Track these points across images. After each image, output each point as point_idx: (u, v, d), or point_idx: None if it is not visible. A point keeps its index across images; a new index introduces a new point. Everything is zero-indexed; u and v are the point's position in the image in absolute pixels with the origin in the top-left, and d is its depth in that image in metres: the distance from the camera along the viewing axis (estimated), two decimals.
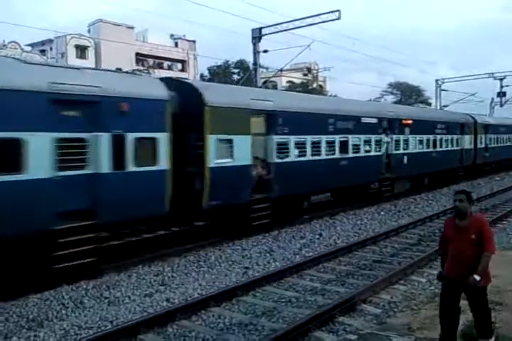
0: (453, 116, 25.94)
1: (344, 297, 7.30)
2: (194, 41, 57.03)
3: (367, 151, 17.16)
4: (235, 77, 53.99)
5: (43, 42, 48.05)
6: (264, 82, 30.35)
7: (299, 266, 9.25)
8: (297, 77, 55.93)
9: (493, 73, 43.28)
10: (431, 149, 21.98)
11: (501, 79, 43.95)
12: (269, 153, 12.95)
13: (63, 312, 7.23)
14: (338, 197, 17.96)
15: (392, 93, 68.14)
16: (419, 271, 8.98)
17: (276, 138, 12.99)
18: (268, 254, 10.58)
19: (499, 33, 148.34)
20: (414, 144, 20.56)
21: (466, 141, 25.75)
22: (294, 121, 13.56)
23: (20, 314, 7.12)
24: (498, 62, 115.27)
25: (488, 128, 29.18)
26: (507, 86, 45.21)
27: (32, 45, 48.22)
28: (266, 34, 23.35)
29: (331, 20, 21.79)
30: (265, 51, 23.76)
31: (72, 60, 44.35)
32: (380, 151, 17.90)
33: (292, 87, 53.92)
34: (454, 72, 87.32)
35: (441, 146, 22.94)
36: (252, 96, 12.79)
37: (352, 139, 16.12)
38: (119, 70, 12.27)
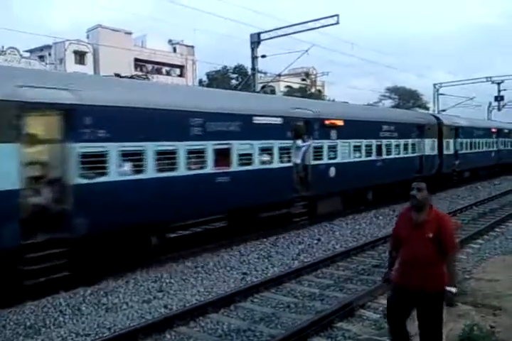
0: (407, 117, 21.63)
1: (342, 302, 7.27)
2: (192, 46, 57.18)
3: (265, 163, 12.63)
4: (234, 82, 54.12)
5: (41, 48, 48.16)
6: (263, 87, 30.40)
7: (297, 271, 9.22)
8: (295, 82, 56.05)
9: (490, 77, 43.44)
10: (374, 157, 17.42)
11: (499, 84, 44.10)
12: (67, 169, 8.47)
13: (61, 319, 7.19)
14: (231, 224, 12.72)
15: (390, 97, 68.37)
16: None
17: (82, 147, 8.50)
18: (266, 260, 10.56)
19: (497, 38, 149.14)
20: (347, 151, 15.91)
21: (427, 146, 21.23)
22: (114, 122, 9.01)
23: (18, 321, 7.09)
24: (496, 67, 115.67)
25: (458, 131, 25.06)
26: (505, 90, 45.38)
27: (31, 51, 48.32)
28: (264, 39, 23.42)
29: (330, 25, 21.86)
30: (263, 56, 23.81)
31: (71, 65, 44.44)
32: (288, 162, 13.44)
33: (290, 91, 54.01)
34: (451, 77, 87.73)
35: (389, 153, 18.37)
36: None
37: (237, 147, 11.64)
38: (117, 76, 12.26)
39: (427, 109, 53.73)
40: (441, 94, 43.93)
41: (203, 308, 7.20)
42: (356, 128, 16.16)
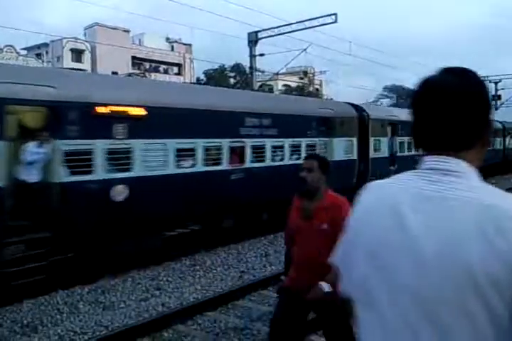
0: (299, 106, 14.66)
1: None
2: (190, 45, 57.15)
3: None
4: (232, 80, 54.12)
5: (38, 46, 48.08)
6: (260, 86, 30.44)
7: None
8: (293, 81, 56.10)
9: (488, 76, 43.54)
10: (226, 166, 11.33)
11: (496, 83, 44.20)
12: None
13: (58, 317, 7.18)
14: None
15: (387, 96, 68.46)
16: None
17: None
18: (264, 258, 10.57)
19: (491, 38, 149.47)
20: (160, 159, 9.90)
21: (338, 148, 15.28)
22: None
23: (15, 319, 7.07)
24: (493, 66, 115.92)
25: (397, 127, 18.97)
26: (502, 89, 45.50)
27: (28, 48, 48.23)
28: (262, 37, 23.43)
29: (328, 24, 21.89)
30: (261, 55, 23.84)
31: (68, 63, 44.36)
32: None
33: (288, 90, 54.04)
34: None
35: (262, 159, 12.42)
36: None
37: None
38: (115, 74, 12.23)
39: None
40: None
41: (201, 306, 7.19)
42: (182, 120, 10.20)
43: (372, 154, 17.20)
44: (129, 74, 12.93)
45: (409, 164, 19.51)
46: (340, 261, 1.48)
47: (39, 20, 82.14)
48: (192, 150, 10.63)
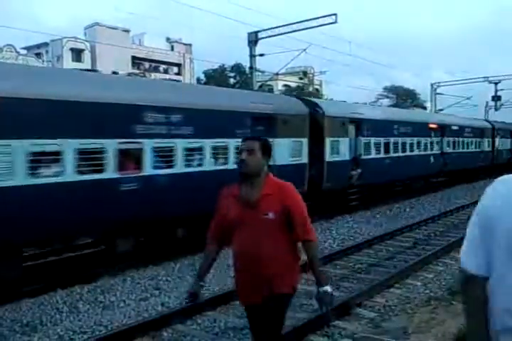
0: (225, 99, 12.10)
1: (339, 301, 7.28)
2: (190, 45, 57.12)
3: None
4: (232, 80, 54.09)
5: (38, 46, 48.02)
6: (260, 86, 30.40)
7: None
8: (293, 81, 56.05)
9: (488, 77, 43.50)
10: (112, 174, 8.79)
11: (496, 83, 44.16)
12: None
13: (57, 316, 7.18)
14: None
15: (387, 97, 68.41)
16: (414, 275, 8.98)
17: None
18: None
19: (490, 37, 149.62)
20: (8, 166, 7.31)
21: (283, 151, 12.66)
22: None
23: (14, 319, 7.07)
24: (493, 66, 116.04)
25: (362, 126, 16.84)
26: (502, 90, 45.45)
27: (27, 48, 48.17)
28: (262, 38, 23.39)
29: (328, 24, 21.85)
30: (261, 55, 23.80)
31: (68, 63, 44.33)
32: None
33: (288, 90, 54.02)
34: (449, 76, 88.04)
35: (171, 164, 10.03)
36: None
37: None
38: (115, 74, 12.24)
39: (425, 108, 53.84)
40: (439, 94, 43.99)
41: (200, 306, 7.18)
42: (37, 115, 7.74)
43: (328, 157, 14.91)
44: (129, 74, 12.90)
45: (377, 168, 17.05)
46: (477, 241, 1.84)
47: (39, 20, 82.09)
48: (56, 153, 8.10)
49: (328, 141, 14.93)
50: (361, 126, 16.74)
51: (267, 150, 3.36)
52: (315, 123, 14.48)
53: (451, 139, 24.67)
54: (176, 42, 56.53)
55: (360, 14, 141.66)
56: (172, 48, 56.55)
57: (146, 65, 53.34)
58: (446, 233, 13.04)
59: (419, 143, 21.11)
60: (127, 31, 51.04)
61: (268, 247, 3.24)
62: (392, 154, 18.69)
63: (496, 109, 48.24)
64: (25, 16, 77.87)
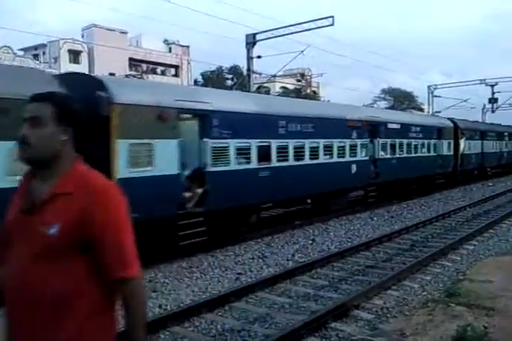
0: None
1: (337, 303, 7.28)
2: (188, 46, 57.13)
3: None
4: (229, 82, 54.14)
5: (35, 47, 47.97)
6: (258, 88, 30.47)
7: (291, 271, 9.22)
8: (291, 83, 56.14)
9: (484, 79, 43.68)
10: None
11: (493, 86, 44.36)
12: None
13: None
14: None
15: (384, 99, 68.55)
16: (411, 277, 8.98)
17: None
18: (261, 260, 10.56)
19: (488, 41, 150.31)
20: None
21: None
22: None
23: None
24: (490, 69, 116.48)
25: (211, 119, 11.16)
26: (499, 92, 45.67)
27: (25, 49, 48.13)
28: (260, 40, 23.47)
29: (325, 26, 21.95)
30: (259, 57, 23.86)
31: (65, 64, 44.29)
32: None
33: (286, 92, 54.09)
34: (446, 79, 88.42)
35: None
36: None
37: None
38: (112, 75, 12.25)
39: (422, 110, 53.96)
40: (436, 96, 44.15)
41: (198, 308, 7.18)
42: None
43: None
44: (127, 76, 12.93)
45: (231, 187, 11.43)
46: None
47: (36, 21, 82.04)
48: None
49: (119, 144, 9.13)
50: (208, 120, 10.95)
51: (67, 118, 2.00)
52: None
53: (388, 141, 18.71)
54: (174, 44, 56.53)
55: (357, 17, 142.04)
56: (170, 50, 56.56)
57: (144, 66, 53.34)
58: (443, 235, 13.05)
59: (329, 147, 15.25)
60: (125, 33, 51.03)
61: (45, 284, 1.87)
62: (275, 164, 12.94)
63: (493, 111, 48.44)
64: (22, 18, 77.81)
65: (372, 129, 17.87)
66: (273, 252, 11.30)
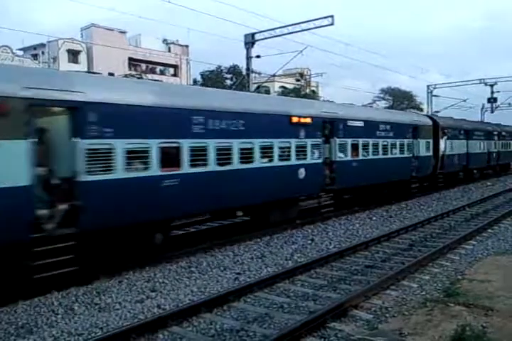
0: None
1: (336, 302, 7.29)
2: (187, 46, 57.05)
3: None
4: (228, 82, 54.11)
5: (34, 47, 47.86)
6: (257, 87, 30.44)
7: (290, 271, 9.22)
8: (290, 83, 56.12)
9: (484, 79, 43.68)
10: None
11: (492, 85, 44.36)
12: None
13: (53, 318, 7.15)
14: None
15: (384, 98, 68.56)
16: (410, 277, 8.99)
17: None
18: (260, 260, 10.56)
19: (487, 41, 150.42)
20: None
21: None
22: None
23: (9, 321, 7.04)
24: (489, 69, 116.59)
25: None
26: (498, 92, 45.68)
27: (24, 49, 48.04)
28: (259, 39, 23.46)
29: (324, 26, 21.92)
30: (258, 56, 23.85)
31: (65, 64, 44.23)
32: None
33: (285, 92, 54.09)
34: (445, 79, 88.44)
35: None
36: None
37: None
38: (111, 75, 12.24)
39: (421, 110, 53.99)
40: (435, 96, 44.16)
41: (196, 308, 7.18)
42: None
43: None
44: (126, 76, 12.92)
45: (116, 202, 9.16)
46: None
47: (35, 21, 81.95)
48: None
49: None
50: (80, 115, 8.58)
51: None
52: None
53: (348, 141, 16.23)
54: (173, 43, 56.44)
55: (356, 16, 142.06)
56: (169, 50, 56.47)
57: (143, 66, 53.27)
58: (442, 235, 13.06)
59: (267, 148, 12.78)
60: (124, 32, 50.94)
61: None
62: (187, 170, 10.48)
63: (492, 111, 48.47)
64: (21, 17, 77.72)
65: (328, 127, 15.57)
66: (272, 252, 11.30)
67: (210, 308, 7.30)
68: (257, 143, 12.33)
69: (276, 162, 13.05)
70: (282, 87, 57.67)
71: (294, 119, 13.74)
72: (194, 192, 10.59)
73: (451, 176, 25.05)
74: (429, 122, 22.76)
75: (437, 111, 41.17)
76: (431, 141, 22.24)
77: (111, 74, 12.60)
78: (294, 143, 13.68)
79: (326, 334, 6.36)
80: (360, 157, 16.87)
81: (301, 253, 11.20)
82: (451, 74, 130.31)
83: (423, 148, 21.35)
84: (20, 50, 46.76)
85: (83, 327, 6.77)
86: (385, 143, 18.40)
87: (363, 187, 17.36)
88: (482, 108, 49.48)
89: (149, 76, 40.88)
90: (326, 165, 15.28)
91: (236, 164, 11.72)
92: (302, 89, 58.27)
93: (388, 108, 49.44)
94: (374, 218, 16.16)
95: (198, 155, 10.70)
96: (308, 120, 14.24)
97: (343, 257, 10.57)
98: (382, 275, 8.86)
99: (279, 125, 13.24)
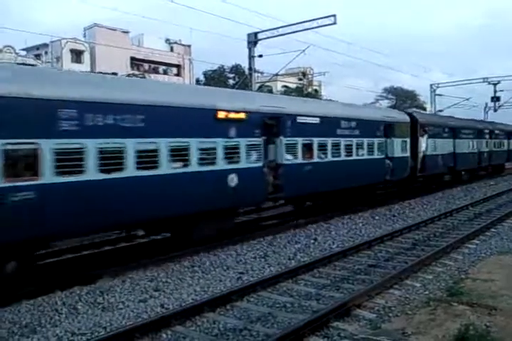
0: None
1: (339, 302, 7.28)
2: (189, 46, 57.08)
3: None
4: (231, 81, 54.14)
5: (37, 47, 47.98)
6: (260, 87, 30.43)
7: (293, 271, 9.22)
8: (292, 82, 56.09)
9: (487, 78, 43.58)
10: None
11: (495, 84, 44.23)
12: None
13: (57, 318, 7.17)
14: None
15: (387, 98, 68.48)
16: (413, 276, 8.97)
17: None
18: (263, 259, 10.56)
19: (488, 39, 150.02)
20: None
21: None
22: None
23: (13, 320, 7.07)
24: (492, 67, 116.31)
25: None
26: (501, 91, 45.53)
27: (27, 49, 48.17)
28: (261, 39, 23.45)
29: (327, 25, 21.90)
30: (260, 56, 23.84)
31: (68, 64, 44.33)
32: None
33: (288, 91, 54.08)
34: (448, 77, 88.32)
35: None
36: None
37: None
38: (114, 75, 12.25)
39: (425, 109, 53.89)
40: (438, 95, 44.06)
41: (200, 307, 7.19)
42: None
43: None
44: (129, 75, 12.92)
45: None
46: None
47: (39, 21, 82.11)
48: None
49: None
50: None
51: None
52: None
53: (299, 140, 13.73)
54: (176, 43, 56.48)
55: (358, 15, 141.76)
56: (171, 49, 56.51)
57: (146, 65, 53.34)
58: (445, 234, 13.04)
59: (181, 150, 10.32)
60: (126, 32, 51.02)
61: None
62: (48, 179, 8.13)
63: (495, 110, 48.34)
64: (23, 17, 77.88)
65: (272, 124, 13.00)
66: (275, 251, 11.30)
67: (213, 308, 7.30)
68: (162, 144, 9.82)
69: (194, 167, 10.52)
70: (285, 86, 57.67)
71: (221, 114, 11.24)
72: (62, 208, 8.20)
73: (434, 179, 22.77)
74: (406, 119, 20.27)
75: (440, 110, 41.14)
76: (408, 139, 19.82)
77: (114, 73, 12.60)
78: (221, 143, 11.15)
79: (329, 334, 6.36)
80: (316, 159, 14.39)
81: (304, 252, 11.19)
82: (454, 73, 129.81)
83: (398, 147, 18.93)
84: (23, 50, 46.93)
85: (87, 326, 6.78)
86: (349, 143, 16.02)
87: (323, 194, 15.35)
88: (485, 107, 49.37)
89: (152, 76, 40.97)
90: (271, 170, 12.89)
91: (131, 170, 9.26)
92: (305, 88, 58.25)
93: (391, 107, 49.38)
94: (377, 217, 16.14)
95: (69, 160, 8.35)
96: (242, 115, 11.78)
97: (346, 256, 10.57)
98: (386, 275, 8.85)
99: (200, 121, 10.72)
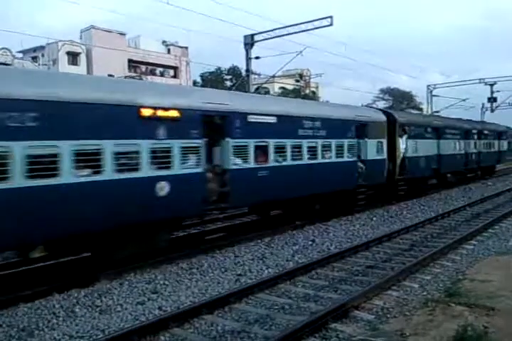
0: None
1: (337, 303, 7.28)
2: (186, 47, 57.14)
3: None
4: (228, 83, 54.19)
5: (34, 49, 47.96)
6: (257, 88, 30.48)
7: (291, 272, 9.21)
8: (290, 83, 56.17)
9: (483, 79, 43.73)
10: None
11: (492, 85, 44.40)
12: None
13: (54, 321, 7.15)
14: None
15: (383, 99, 68.58)
16: (411, 277, 8.98)
17: None
18: (261, 261, 10.55)
19: (486, 40, 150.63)
20: None
21: None
22: None
23: (10, 323, 7.04)
24: (489, 68, 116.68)
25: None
26: (498, 91, 45.71)
27: (23, 51, 48.15)
28: (258, 40, 23.50)
29: (324, 27, 21.97)
30: (257, 57, 23.90)
31: (64, 66, 44.29)
32: None
33: (285, 93, 54.15)
34: (445, 78, 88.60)
35: None
36: None
37: None
38: (110, 77, 12.27)
39: (421, 110, 54.01)
40: (435, 96, 44.21)
41: (198, 310, 7.17)
42: None
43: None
44: (126, 77, 12.93)
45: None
46: None
47: (35, 23, 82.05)
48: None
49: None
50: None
51: None
52: None
53: (250, 142, 12.07)
54: (172, 45, 56.52)
55: (355, 16, 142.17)
56: (168, 51, 56.55)
57: (143, 67, 53.35)
58: (443, 235, 13.05)
59: (91, 154, 8.63)
60: (123, 34, 51.03)
61: None
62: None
63: (492, 111, 48.50)
64: (21, 20, 77.82)
65: (217, 124, 11.54)
66: (273, 253, 11.29)
67: (211, 310, 7.29)
68: (65, 148, 8.12)
69: (108, 174, 8.81)
70: (282, 87, 57.74)
71: (147, 112, 9.58)
72: None
73: (416, 183, 20.99)
74: (382, 118, 18.41)
75: (437, 111, 41.21)
76: (384, 140, 18.07)
77: (110, 75, 12.63)
78: (146, 146, 9.46)
79: (327, 335, 6.35)
80: (272, 163, 12.72)
81: (302, 254, 11.19)
82: (451, 74, 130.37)
83: (373, 149, 17.26)
84: (19, 52, 46.91)
85: (84, 329, 6.76)
86: (313, 145, 14.34)
87: (283, 202, 13.81)
88: (482, 107, 49.52)
89: (149, 78, 40.97)
90: (216, 176, 11.44)
91: (18, 180, 7.50)
92: (302, 89, 58.33)
93: (388, 108, 49.50)
94: (374, 218, 16.15)
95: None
96: (174, 113, 10.12)
97: (344, 258, 10.57)
98: (384, 276, 8.86)
99: (116, 120, 9.06)
